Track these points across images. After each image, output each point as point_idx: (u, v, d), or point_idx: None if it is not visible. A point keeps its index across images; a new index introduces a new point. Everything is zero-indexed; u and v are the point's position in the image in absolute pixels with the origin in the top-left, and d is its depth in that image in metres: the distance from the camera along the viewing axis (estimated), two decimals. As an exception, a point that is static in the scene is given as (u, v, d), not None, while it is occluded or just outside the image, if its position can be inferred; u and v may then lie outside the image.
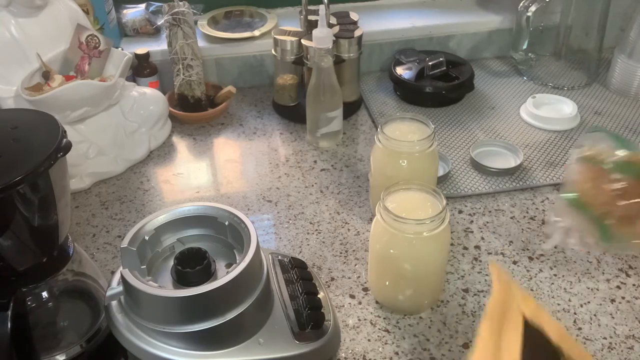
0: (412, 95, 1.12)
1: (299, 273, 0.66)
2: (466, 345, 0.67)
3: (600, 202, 0.70)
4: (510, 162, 0.95)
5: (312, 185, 0.93)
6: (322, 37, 0.91)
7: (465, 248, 0.80)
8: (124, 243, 0.58)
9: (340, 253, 0.80)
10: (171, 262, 0.59)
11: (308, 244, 0.81)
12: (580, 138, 0.76)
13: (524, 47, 1.16)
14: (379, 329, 0.69)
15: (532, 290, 0.73)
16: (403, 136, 0.77)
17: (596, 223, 0.70)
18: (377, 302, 0.72)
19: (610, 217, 0.69)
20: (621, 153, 0.70)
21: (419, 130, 0.78)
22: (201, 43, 1.12)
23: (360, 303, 0.73)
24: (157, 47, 1.13)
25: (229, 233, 0.62)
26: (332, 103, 0.96)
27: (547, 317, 0.51)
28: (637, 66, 1.09)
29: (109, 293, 0.58)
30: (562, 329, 0.52)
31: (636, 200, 0.68)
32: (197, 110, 1.08)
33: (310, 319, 0.60)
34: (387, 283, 0.69)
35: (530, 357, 0.46)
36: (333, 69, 0.94)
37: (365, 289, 0.74)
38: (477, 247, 0.80)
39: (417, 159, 0.77)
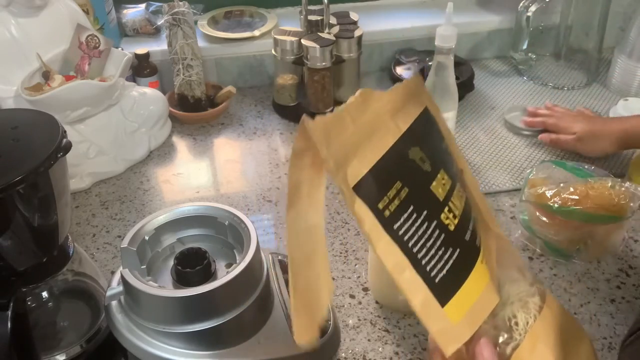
0: (412, 95, 1.12)
1: (299, 273, 0.66)
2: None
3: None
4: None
5: (312, 185, 0.92)
6: (447, 35, 0.88)
7: (465, 248, 0.80)
8: (124, 243, 0.58)
9: (340, 253, 0.80)
10: (171, 262, 0.58)
11: (308, 244, 0.81)
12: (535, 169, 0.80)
13: (524, 47, 1.15)
14: (379, 329, 0.69)
15: (532, 290, 0.73)
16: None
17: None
18: (377, 302, 0.72)
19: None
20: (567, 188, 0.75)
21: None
22: (201, 43, 1.12)
23: (360, 303, 0.73)
24: (157, 47, 1.13)
25: (229, 233, 0.61)
26: (446, 104, 0.91)
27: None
28: (637, 66, 1.09)
29: (109, 293, 0.58)
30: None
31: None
32: (197, 110, 1.08)
33: (310, 319, 0.60)
34: (387, 283, 0.69)
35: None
36: (453, 69, 0.90)
37: (365, 289, 0.74)
38: (477, 247, 0.80)
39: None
